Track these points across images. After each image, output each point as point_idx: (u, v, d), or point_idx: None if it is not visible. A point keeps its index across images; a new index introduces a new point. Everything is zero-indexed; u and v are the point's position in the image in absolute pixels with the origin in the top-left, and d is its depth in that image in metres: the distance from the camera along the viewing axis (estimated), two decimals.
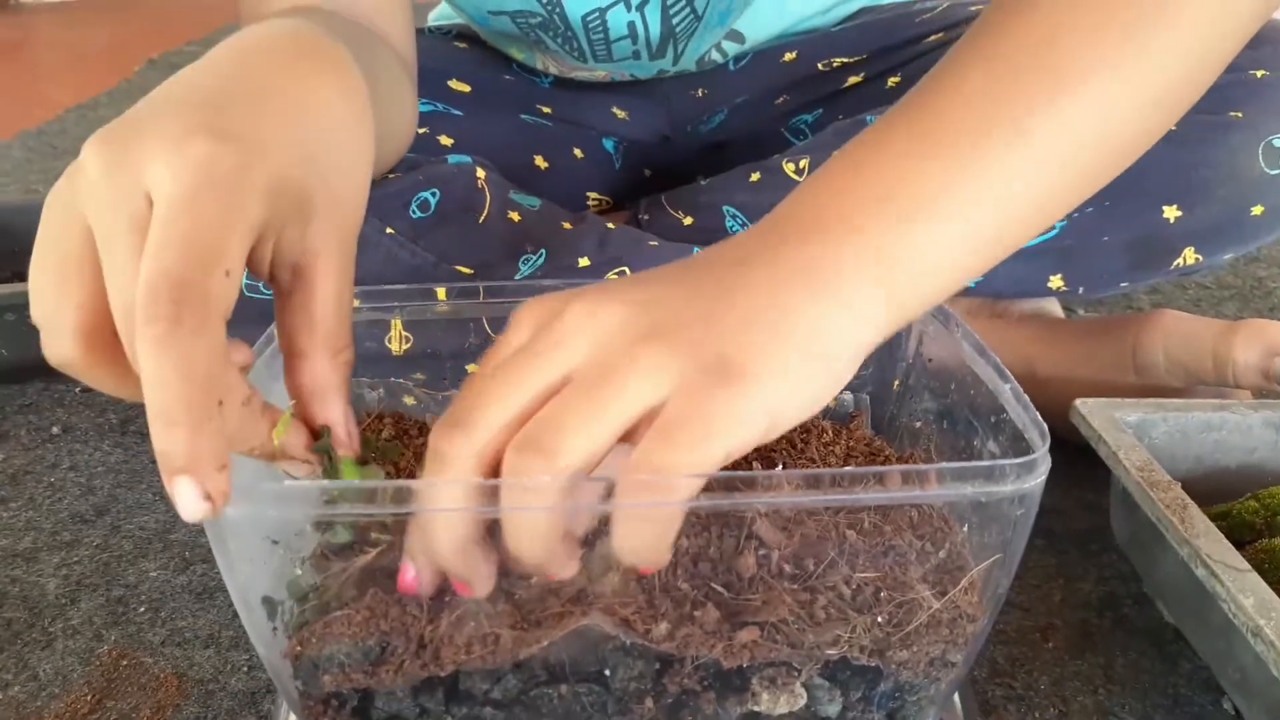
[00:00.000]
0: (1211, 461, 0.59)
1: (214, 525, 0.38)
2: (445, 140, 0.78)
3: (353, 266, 0.38)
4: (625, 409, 0.32)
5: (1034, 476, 0.37)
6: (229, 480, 0.31)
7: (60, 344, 0.32)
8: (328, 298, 0.37)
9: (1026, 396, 0.41)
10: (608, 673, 0.40)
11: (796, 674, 0.41)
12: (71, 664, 0.54)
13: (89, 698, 0.52)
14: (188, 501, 0.30)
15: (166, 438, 0.29)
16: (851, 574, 0.43)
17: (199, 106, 0.34)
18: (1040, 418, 0.39)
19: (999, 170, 0.36)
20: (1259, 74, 0.64)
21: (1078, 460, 0.70)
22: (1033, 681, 0.53)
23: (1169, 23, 0.37)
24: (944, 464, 0.36)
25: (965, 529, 0.43)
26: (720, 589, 0.42)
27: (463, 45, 0.90)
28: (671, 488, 0.31)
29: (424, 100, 0.79)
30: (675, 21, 0.77)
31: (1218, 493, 0.57)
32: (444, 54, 0.88)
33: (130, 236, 0.31)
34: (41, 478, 0.71)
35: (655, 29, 0.77)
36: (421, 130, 0.74)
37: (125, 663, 0.54)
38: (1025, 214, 0.37)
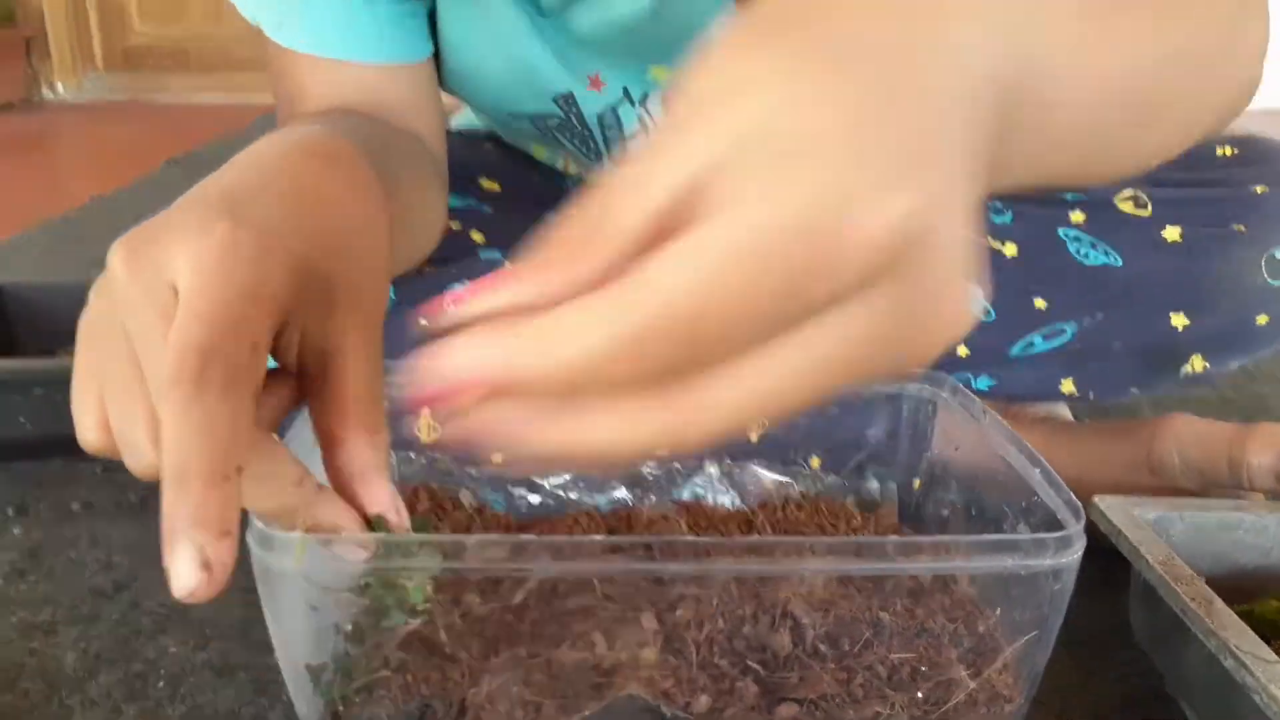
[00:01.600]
0: (1229, 561, 0.59)
1: (266, 585, 0.39)
2: (476, 236, 0.81)
3: (381, 353, 0.39)
4: None
5: (1071, 551, 0.38)
6: (232, 552, 0.30)
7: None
8: (359, 381, 0.37)
9: (1058, 477, 0.42)
10: None
11: None
12: None
13: None
14: (184, 566, 0.29)
15: (176, 494, 0.29)
16: (887, 655, 0.43)
17: (217, 201, 0.36)
18: (1074, 497, 0.40)
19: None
20: (1259, 189, 0.67)
21: (1092, 561, 0.71)
22: None
23: None
24: (982, 536, 0.37)
25: (998, 612, 0.44)
26: (756, 666, 0.43)
27: (489, 146, 0.94)
28: None
29: (456, 195, 0.82)
30: None
31: (1236, 592, 0.57)
32: (473, 154, 0.91)
33: (162, 329, 0.32)
34: (61, 552, 0.71)
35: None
36: (454, 225, 0.77)
37: None
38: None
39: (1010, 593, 0.42)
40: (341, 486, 0.38)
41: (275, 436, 0.36)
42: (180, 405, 0.30)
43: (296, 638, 0.40)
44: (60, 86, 3.19)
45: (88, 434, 0.35)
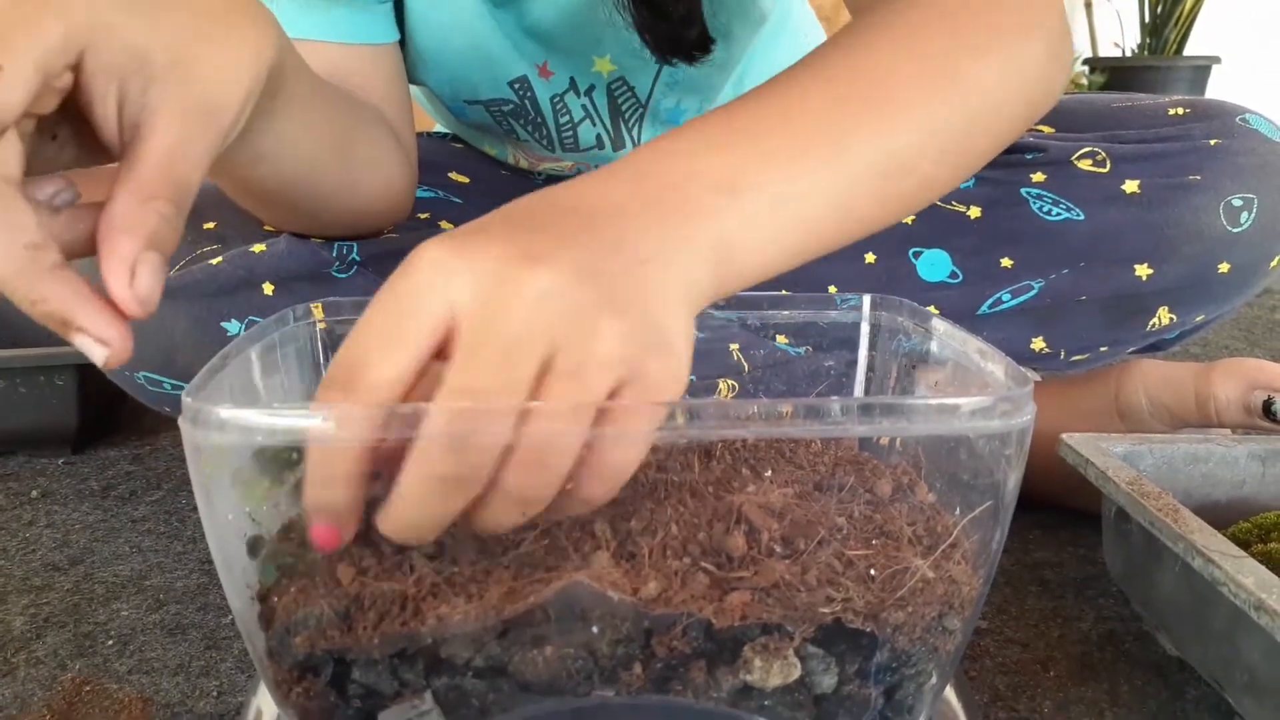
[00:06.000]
0: (1201, 495, 0.58)
1: (198, 473, 0.38)
2: (446, 225, 0.81)
3: (202, 142, 0.37)
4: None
5: (1019, 415, 0.37)
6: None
7: None
8: (153, 149, 0.35)
9: (998, 351, 0.42)
10: (595, 629, 0.39)
11: (790, 638, 0.39)
12: (32, 689, 0.51)
13: (48, 718, 0.49)
14: (89, 347, 0.33)
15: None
16: (843, 551, 0.42)
17: None
18: (1019, 367, 0.40)
19: (819, 178, 0.40)
20: (1212, 142, 0.68)
21: (1068, 521, 0.70)
22: (1036, 706, 0.51)
23: (966, 91, 0.44)
24: (929, 399, 0.36)
25: (957, 510, 0.43)
26: (711, 568, 0.42)
27: (459, 146, 0.95)
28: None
29: (427, 187, 0.83)
30: (620, 104, 0.82)
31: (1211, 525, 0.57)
32: (444, 151, 0.93)
33: None
34: (16, 533, 0.69)
35: (605, 112, 0.82)
36: (424, 215, 0.78)
37: (88, 688, 0.52)
38: (834, 219, 0.41)
39: (960, 461, 0.41)
40: (98, 245, 0.35)
41: (16, 190, 0.33)
42: None
43: (229, 527, 0.39)
44: None
45: None
